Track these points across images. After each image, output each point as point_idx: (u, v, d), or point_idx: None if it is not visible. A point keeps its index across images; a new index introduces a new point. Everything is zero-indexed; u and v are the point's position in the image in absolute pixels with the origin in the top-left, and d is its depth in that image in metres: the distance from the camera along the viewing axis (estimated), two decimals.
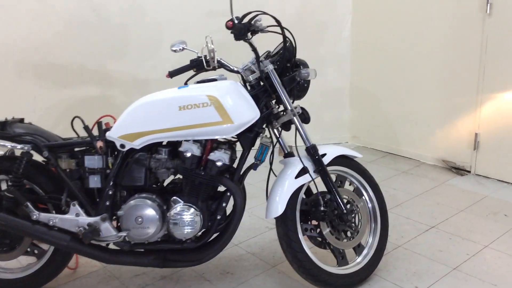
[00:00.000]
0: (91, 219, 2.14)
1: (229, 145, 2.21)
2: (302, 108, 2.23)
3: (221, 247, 2.19)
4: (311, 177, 2.20)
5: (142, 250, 2.20)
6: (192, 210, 2.08)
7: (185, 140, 2.11)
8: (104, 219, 2.13)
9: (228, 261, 2.61)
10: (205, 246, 2.20)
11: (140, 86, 4.16)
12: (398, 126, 4.26)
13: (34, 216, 2.14)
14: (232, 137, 2.15)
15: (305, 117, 2.24)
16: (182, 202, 2.11)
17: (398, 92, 4.19)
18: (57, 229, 2.16)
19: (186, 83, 2.19)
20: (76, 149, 2.19)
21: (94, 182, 2.16)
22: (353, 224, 2.30)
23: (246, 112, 2.08)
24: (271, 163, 2.27)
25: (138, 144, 2.11)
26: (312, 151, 2.22)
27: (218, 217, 2.15)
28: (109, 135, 2.13)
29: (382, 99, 4.34)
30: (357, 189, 2.43)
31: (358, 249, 2.38)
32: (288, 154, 2.29)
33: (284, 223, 2.19)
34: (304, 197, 2.29)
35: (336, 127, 4.64)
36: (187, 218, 2.07)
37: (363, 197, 2.43)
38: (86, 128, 2.16)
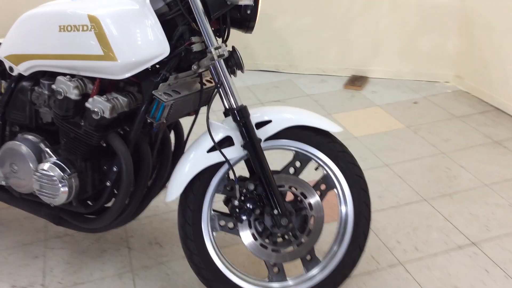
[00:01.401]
0: None
1: (139, 88, 1.57)
2: (232, 50, 1.45)
3: (112, 220, 1.64)
4: (224, 157, 1.46)
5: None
6: (57, 172, 1.54)
7: (62, 74, 1.53)
8: None
9: (171, 226, 2.08)
10: (101, 215, 1.68)
11: None
12: None
13: None
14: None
15: (235, 63, 1.46)
16: (55, 158, 1.59)
17: None
18: None
19: None
20: None
21: None
22: (292, 232, 1.54)
23: (141, 46, 1.43)
24: (207, 118, 1.54)
25: (23, 69, 1.64)
26: (238, 116, 1.46)
27: (108, 183, 1.60)
28: None
29: (500, 29, 2.98)
30: (327, 177, 1.61)
31: (309, 263, 1.63)
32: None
33: (182, 211, 1.54)
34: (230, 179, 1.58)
35: (435, 59, 3.43)
36: (49, 181, 1.56)
37: (335, 190, 1.61)
38: None
